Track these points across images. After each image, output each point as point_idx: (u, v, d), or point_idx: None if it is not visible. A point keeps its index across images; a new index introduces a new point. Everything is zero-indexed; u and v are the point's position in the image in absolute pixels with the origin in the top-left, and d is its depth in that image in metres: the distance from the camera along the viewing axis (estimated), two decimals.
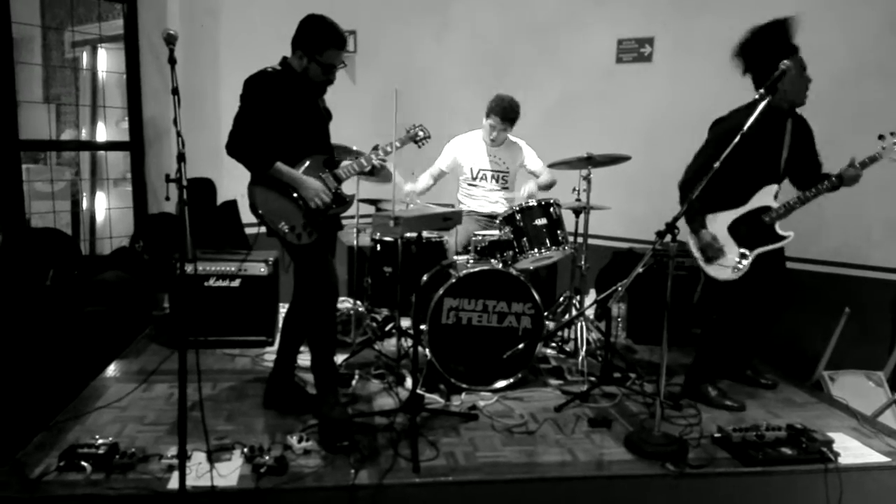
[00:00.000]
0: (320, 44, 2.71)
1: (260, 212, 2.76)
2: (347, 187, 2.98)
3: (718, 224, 3.12)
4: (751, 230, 3.10)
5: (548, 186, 4.14)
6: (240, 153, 2.70)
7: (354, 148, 3.23)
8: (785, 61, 2.75)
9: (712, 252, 3.06)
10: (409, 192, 4.02)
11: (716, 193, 3.05)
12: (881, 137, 3.00)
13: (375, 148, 2.98)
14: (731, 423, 2.86)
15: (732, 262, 3.06)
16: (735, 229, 3.10)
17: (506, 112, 3.96)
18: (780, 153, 3.14)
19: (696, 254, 3.12)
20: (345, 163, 2.93)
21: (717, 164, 2.60)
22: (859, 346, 4.08)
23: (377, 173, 3.07)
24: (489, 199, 4.22)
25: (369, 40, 5.45)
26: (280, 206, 2.76)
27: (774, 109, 2.98)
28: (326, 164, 2.89)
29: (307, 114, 2.84)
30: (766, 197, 3.11)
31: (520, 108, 4.02)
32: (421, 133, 3.18)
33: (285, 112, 2.74)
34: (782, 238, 3.10)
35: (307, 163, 2.82)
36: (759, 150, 3.04)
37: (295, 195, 2.78)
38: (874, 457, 2.74)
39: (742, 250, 3.07)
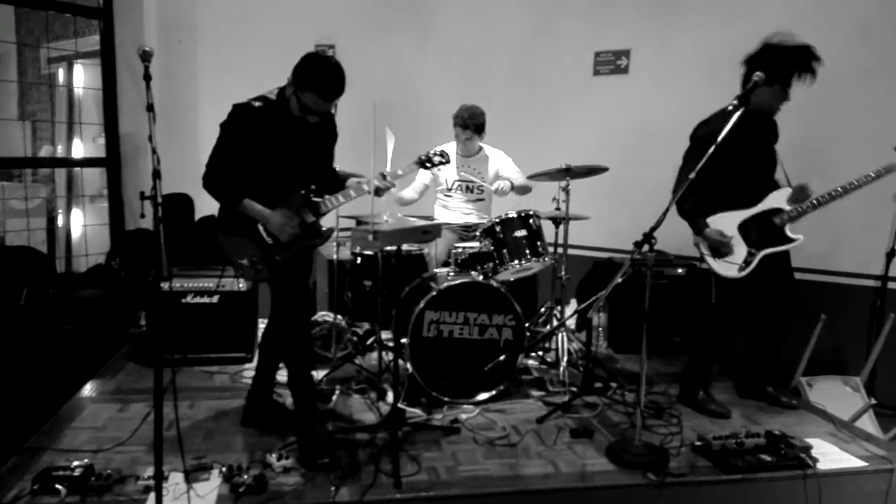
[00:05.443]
0: (303, 83, 2.63)
1: (224, 252, 2.78)
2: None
3: (727, 223, 3.14)
4: (760, 231, 3.13)
5: (522, 189, 4.13)
6: (212, 188, 2.72)
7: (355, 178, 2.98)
8: (758, 73, 2.81)
9: (724, 248, 3.09)
10: (396, 195, 4.01)
11: (721, 194, 3.11)
12: None
13: (384, 177, 2.89)
14: (711, 431, 2.89)
15: (739, 261, 3.11)
16: (745, 229, 3.13)
17: (466, 121, 3.99)
18: (772, 151, 3.20)
19: (706, 252, 3.15)
20: (328, 197, 2.86)
21: (692, 175, 2.63)
22: (836, 352, 4.13)
23: (381, 194, 2.99)
24: (463, 210, 4.24)
25: (348, 54, 5.45)
26: (238, 243, 2.77)
27: (758, 111, 3.05)
28: (306, 201, 2.81)
29: (295, 145, 2.79)
30: (778, 199, 3.14)
31: (483, 115, 4.04)
32: (437, 159, 3.04)
33: (267, 146, 2.72)
34: (791, 241, 3.13)
35: (282, 201, 2.78)
36: (751, 149, 3.10)
37: (257, 227, 2.77)
38: (852, 462, 2.77)
39: (751, 249, 3.11)
